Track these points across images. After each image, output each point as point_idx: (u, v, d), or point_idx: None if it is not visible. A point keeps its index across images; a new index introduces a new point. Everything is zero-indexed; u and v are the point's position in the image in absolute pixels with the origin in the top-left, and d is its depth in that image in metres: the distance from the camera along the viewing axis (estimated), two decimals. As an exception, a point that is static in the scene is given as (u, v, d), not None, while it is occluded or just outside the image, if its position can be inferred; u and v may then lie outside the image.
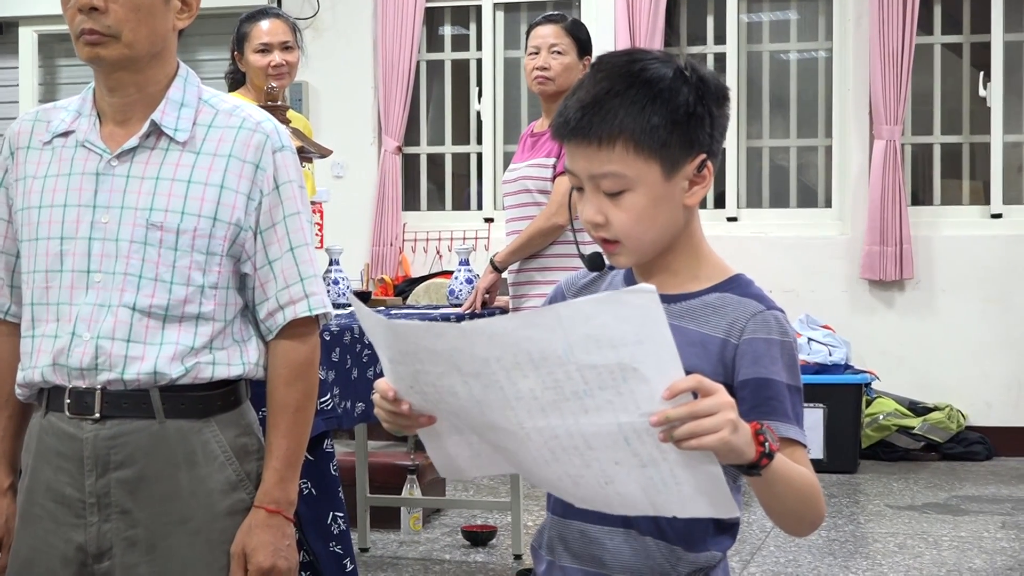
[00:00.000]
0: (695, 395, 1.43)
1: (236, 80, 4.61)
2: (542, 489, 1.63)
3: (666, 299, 1.63)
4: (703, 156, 1.66)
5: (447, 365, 1.48)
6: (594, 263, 1.78)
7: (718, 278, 1.71)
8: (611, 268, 1.81)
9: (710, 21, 7.84)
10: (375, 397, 1.62)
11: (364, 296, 4.63)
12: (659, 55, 1.68)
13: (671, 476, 1.46)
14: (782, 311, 1.68)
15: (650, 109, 1.62)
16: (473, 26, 8.19)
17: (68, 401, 2.11)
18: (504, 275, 4.35)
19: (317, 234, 4.16)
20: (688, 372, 1.43)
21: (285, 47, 4.46)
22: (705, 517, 1.52)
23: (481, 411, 1.50)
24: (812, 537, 5.23)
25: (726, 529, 1.71)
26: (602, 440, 1.45)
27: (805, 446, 1.65)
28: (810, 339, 6.94)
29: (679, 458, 1.44)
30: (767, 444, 1.49)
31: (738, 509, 1.52)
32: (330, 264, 4.16)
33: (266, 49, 4.44)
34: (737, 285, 1.70)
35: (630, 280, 1.76)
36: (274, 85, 4.03)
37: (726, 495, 1.47)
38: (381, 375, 1.63)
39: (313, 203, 4.03)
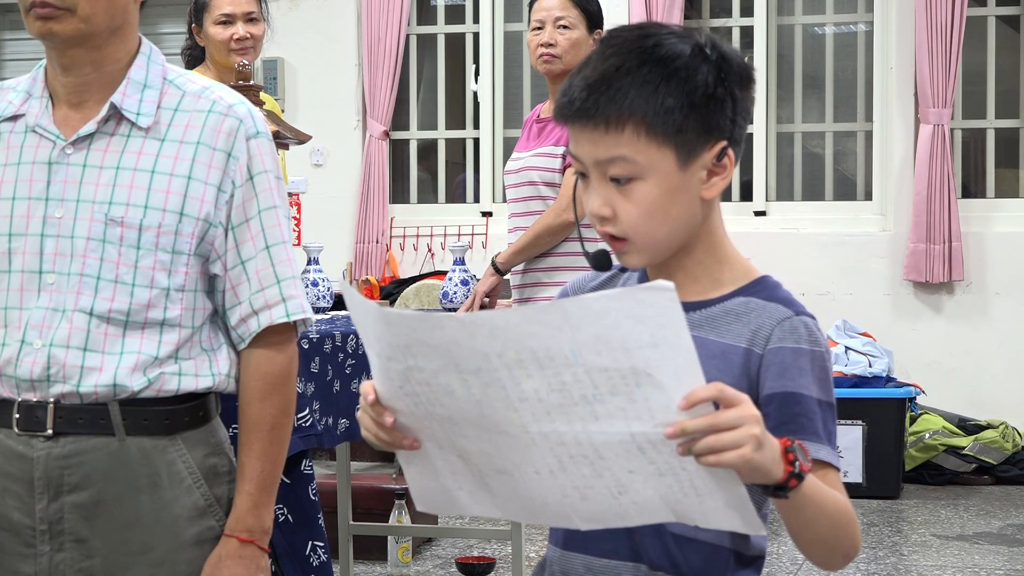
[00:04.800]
0: (717, 406, 1.44)
1: (194, 57, 4.61)
2: (539, 523, 1.63)
3: (683, 307, 1.64)
4: (723, 143, 1.67)
5: (444, 360, 1.49)
6: (600, 262, 1.78)
7: (741, 281, 1.72)
8: (622, 270, 1.82)
9: (736, -9, 7.87)
10: (360, 400, 1.63)
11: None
12: (676, 30, 1.68)
13: (691, 487, 1.48)
14: (813, 317, 1.69)
15: (664, 90, 1.63)
16: (469, -4, 8.22)
17: (17, 416, 2.12)
18: (506, 277, 4.36)
19: (294, 230, 4.17)
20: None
21: (249, 18, 4.47)
22: (729, 530, 1.53)
23: (481, 412, 1.51)
24: (850, 570, 5.25)
25: (749, 562, 1.72)
26: (614, 449, 1.47)
27: (838, 468, 1.66)
28: (848, 348, 6.96)
29: (700, 470, 1.46)
30: (797, 464, 1.50)
31: (764, 528, 1.54)
32: (308, 263, 4.17)
33: (228, 21, 4.45)
34: (762, 288, 1.71)
35: (644, 282, 1.76)
36: (245, 62, 4.04)
37: (751, 512, 1.49)
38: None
39: (288, 195, 4.03)
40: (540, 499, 1.56)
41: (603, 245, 1.74)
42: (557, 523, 1.61)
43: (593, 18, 4.34)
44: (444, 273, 6.19)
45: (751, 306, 1.69)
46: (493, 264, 4.33)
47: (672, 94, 1.63)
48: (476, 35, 8.18)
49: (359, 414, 1.64)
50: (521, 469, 1.54)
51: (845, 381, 6.74)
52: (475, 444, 1.56)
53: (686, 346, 1.42)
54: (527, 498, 1.57)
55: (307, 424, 3.25)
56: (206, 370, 2.18)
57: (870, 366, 6.84)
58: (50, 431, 2.11)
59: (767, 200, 7.83)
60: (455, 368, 1.49)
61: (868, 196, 7.74)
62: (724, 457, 1.43)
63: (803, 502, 1.54)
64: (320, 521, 3.22)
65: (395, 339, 1.52)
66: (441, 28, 8.34)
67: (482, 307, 4.32)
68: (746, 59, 1.73)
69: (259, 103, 3.85)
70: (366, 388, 1.61)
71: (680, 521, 1.53)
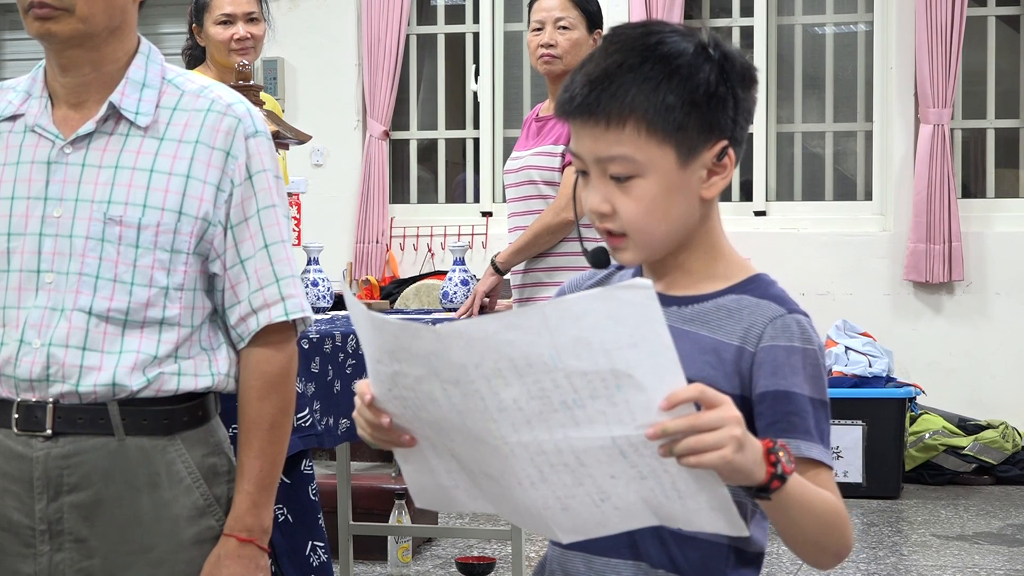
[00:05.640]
0: (698, 407, 1.44)
1: (195, 57, 4.62)
2: (525, 528, 1.63)
3: (676, 301, 1.64)
4: (724, 143, 1.67)
5: (426, 369, 1.48)
6: (597, 259, 1.78)
7: (735, 278, 1.72)
8: (619, 268, 1.82)
9: (736, -9, 7.87)
10: (355, 400, 1.63)
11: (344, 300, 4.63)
12: (680, 28, 1.69)
13: (673, 490, 1.47)
14: (806, 315, 1.68)
15: (665, 87, 1.63)
16: (469, -4, 8.22)
17: (16, 416, 2.12)
18: (506, 277, 4.36)
19: (294, 229, 4.17)
20: (701, 383, 1.45)
21: (250, 19, 4.47)
22: (712, 531, 1.52)
23: (463, 422, 1.50)
24: (850, 570, 5.25)
25: (750, 561, 1.72)
26: (595, 455, 1.46)
27: (831, 468, 1.65)
28: (848, 348, 6.96)
29: (682, 471, 1.45)
30: (779, 465, 1.50)
31: (747, 529, 1.53)
32: (308, 263, 4.17)
33: (229, 21, 4.45)
34: (756, 286, 1.71)
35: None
36: (245, 62, 4.04)
37: (734, 513, 1.48)
38: None
39: (288, 195, 4.03)
40: (524, 508, 1.56)
41: (602, 243, 1.73)
42: (540, 533, 1.61)
43: (593, 18, 4.34)
44: (444, 273, 6.19)
45: (744, 303, 1.69)
46: (493, 264, 4.34)
47: (673, 92, 1.63)
48: (476, 35, 8.18)
49: (354, 414, 1.64)
50: (505, 477, 1.53)
51: (845, 381, 6.74)
52: (463, 448, 1.55)
53: (666, 345, 1.41)
54: (512, 504, 1.57)
55: (307, 424, 3.25)
56: (205, 370, 2.18)
57: (870, 366, 6.84)
58: (49, 431, 2.11)
59: (767, 200, 7.83)
60: (436, 377, 1.48)
61: (868, 196, 7.74)
62: (705, 458, 1.43)
63: (788, 503, 1.54)
64: (320, 521, 3.23)
65: (382, 343, 1.52)
66: (441, 28, 8.34)
67: (482, 307, 4.33)
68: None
69: (259, 103, 3.85)
70: (362, 388, 1.61)
71: (662, 524, 1.53)
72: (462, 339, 1.43)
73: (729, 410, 1.45)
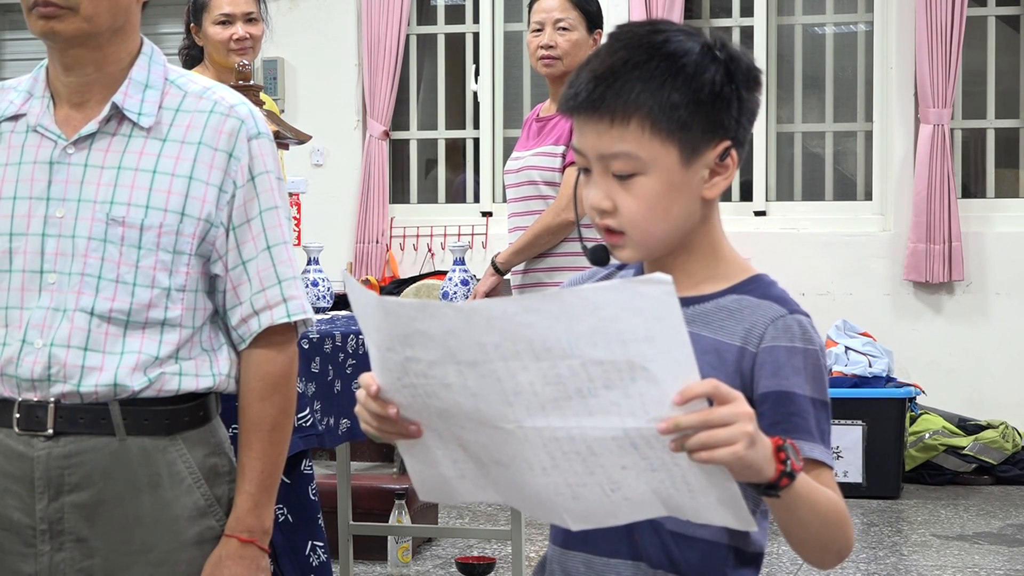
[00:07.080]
0: (711, 402, 1.45)
1: (192, 56, 4.62)
2: (534, 516, 1.64)
3: (677, 302, 1.65)
4: (727, 143, 1.68)
5: (441, 352, 1.49)
6: (597, 257, 1.78)
7: (736, 279, 1.72)
8: (619, 268, 1.82)
9: (736, -9, 7.87)
10: (358, 394, 1.63)
11: (345, 300, 4.63)
12: (686, 28, 1.70)
13: (684, 483, 1.48)
14: (807, 315, 1.69)
15: (670, 85, 1.64)
16: (469, -4, 8.22)
17: (17, 416, 2.13)
18: (507, 277, 4.37)
19: (294, 230, 4.18)
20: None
21: (249, 19, 4.48)
22: (721, 525, 1.53)
23: (476, 406, 1.51)
24: (850, 570, 5.26)
25: (749, 561, 1.73)
26: (607, 446, 1.47)
27: (832, 467, 1.66)
28: (848, 348, 6.96)
29: (693, 466, 1.46)
30: (789, 463, 1.50)
31: (756, 524, 1.54)
32: (308, 263, 4.17)
33: (227, 21, 4.46)
34: (757, 286, 1.71)
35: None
36: (245, 62, 4.05)
37: (743, 508, 1.49)
38: None
39: (288, 194, 4.03)
40: (534, 495, 1.57)
41: (603, 242, 1.74)
42: (550, 520, 1.62)
43: (593, 19, 4.35)
44: (444, 273, 6.19)
45: (745, 303, 1.69)
46: (493, 264, 4.35)
47: (678, 90, 1.64)
48: (476, 35, 8.19)
49: (357, 408, 1.64)
50: (516, 463, 1.54)
51: (845, 381, 6.74)
52: (473, 436, 1.56)
53: (682, 340, 1.42)
54: (523, 491, 1.58)
55: (307, 424, 3.25)
56: (206, 370, 2.18)
57: (870, 366, 6.84)
58: (50, 431, 2.12)
59: (767, 200, 7.83)
60: (452, 360, 1.49)
61: (868, 196, 7.74)
62: (716, 454, 1.43)
63: (795, 501, 1.54)
64: (320, 521, 3.23)
65: (393, 329, 1.53)
66: (441, 28, 8.34)
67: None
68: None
69: (259, 103, 3.86)
70: (366, 380, 1.61)
71: (673, 515, 1.54)
72: (483, 316, 1.44)
73: (742, 406, 1.45)
